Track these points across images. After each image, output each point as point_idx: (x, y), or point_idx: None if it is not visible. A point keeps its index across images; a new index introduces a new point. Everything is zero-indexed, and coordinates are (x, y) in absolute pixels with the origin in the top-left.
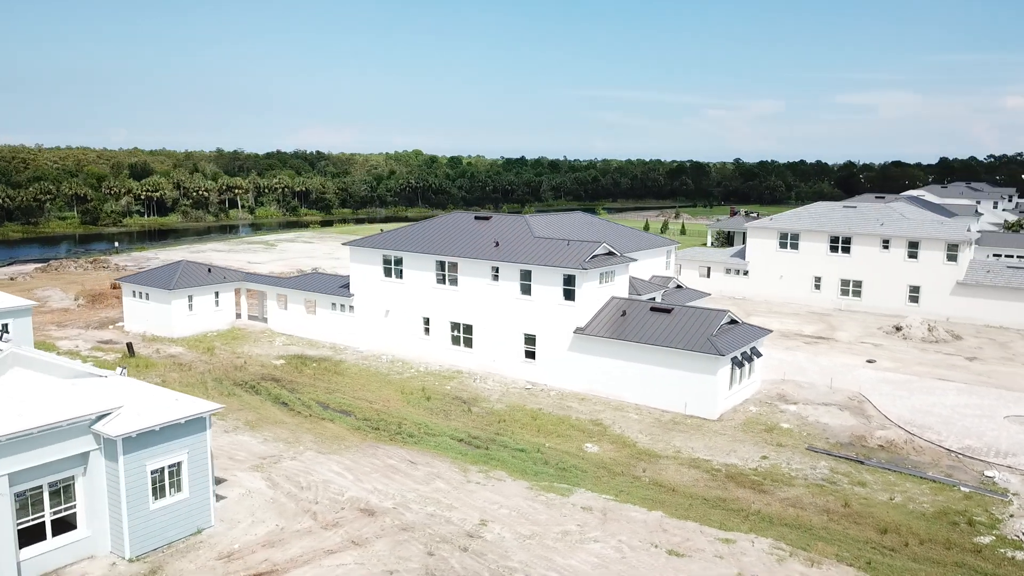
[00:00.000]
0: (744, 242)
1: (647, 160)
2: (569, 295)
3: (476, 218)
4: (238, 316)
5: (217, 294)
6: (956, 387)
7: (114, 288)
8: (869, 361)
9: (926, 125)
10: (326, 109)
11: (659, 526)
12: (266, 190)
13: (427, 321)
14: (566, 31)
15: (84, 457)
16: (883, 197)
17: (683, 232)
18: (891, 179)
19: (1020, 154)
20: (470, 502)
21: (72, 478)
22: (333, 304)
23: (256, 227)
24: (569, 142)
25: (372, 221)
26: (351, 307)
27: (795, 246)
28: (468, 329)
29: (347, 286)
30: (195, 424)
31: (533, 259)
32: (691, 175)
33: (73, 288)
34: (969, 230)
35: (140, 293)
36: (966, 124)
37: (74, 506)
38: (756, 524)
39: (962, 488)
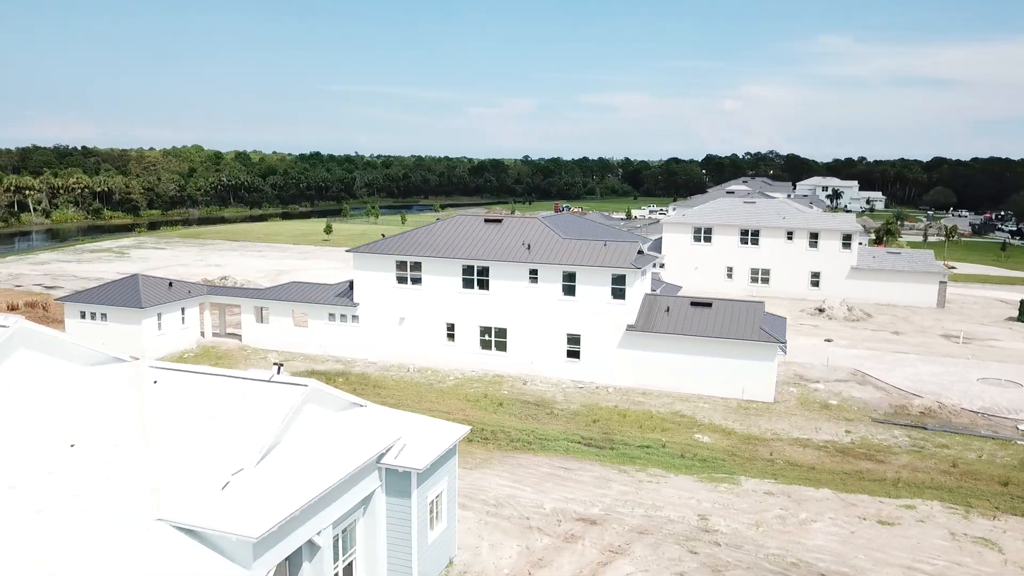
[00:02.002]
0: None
1: (439, 157)
2: (618, 294)
3: (486, 220)
4: (202, 334)
5: (183, 310)
6: (916, 358)
7: (31, 308)
8: (827, 340)
9: (663, 125)
10: (64, 100)
11: (841, 502)
12: (62, 191)
13: (451, 327)
14: (315, 24)
15: (368, 498)
16: (732, 192)
17: None
18: (672, 174)
19: (772, 152)
20: (665, 500)
21: (354, 522)
22: (331, 315)
23: (54, 234)
24: (332, 137)
25: (188, 223)
26: (354, 317)
27: (708, 239)
28: (501, 332)
29: (344, 295)
30: (452, 448)
31: (576, 260)
32: (492, 172)
33: None
34: (856, 221)
35: (94, 314)
36: (694, 124)
37: (354, 552)
38: (911, 490)
39: (1018, 442)
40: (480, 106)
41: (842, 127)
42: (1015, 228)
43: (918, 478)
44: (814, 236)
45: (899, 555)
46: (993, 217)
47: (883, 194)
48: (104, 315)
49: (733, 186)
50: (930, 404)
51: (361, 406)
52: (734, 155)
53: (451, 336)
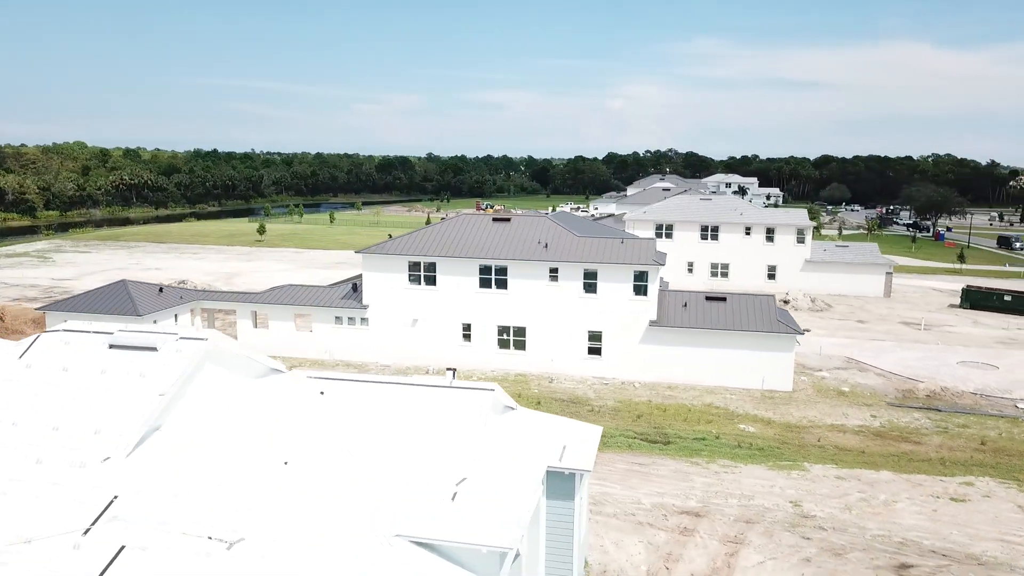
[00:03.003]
0: None
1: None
2: (640, 290)
3: (495, 220)
4: None
5: (176, 317)
6: (893, 345)
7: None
8: (806, 330)
9: (552, 122)
10: None
11: (906, 482)
12: None
13: (467, 327)
14: (187, 13)
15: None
16: (669, 188)
17: None
18: (579, 172)
19: (672, 150)
20: (751, 489)
21: None
22: (337, 318)
23: None
24: (214, 133)
25: (93, 225)
26: (363, 319)
27: (670, 235)
28: (520, 331)
29: (349, 297)
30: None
31: (597, 258)
32: (400, 170)
33: None
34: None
35: None
36: (582, 122)
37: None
38: (959, 468)
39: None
40: (364, 103)
41: (720, 126)
42: (912, 222)
43: (957, 456)
44: (770, 231)
45: (987, 530)
46: (886, 211)
47: (780, 190)
48: None
49: (659, 183)
50: (934, 388)
51: (513, 408)
52: (635, 153)
53: (467, 336)
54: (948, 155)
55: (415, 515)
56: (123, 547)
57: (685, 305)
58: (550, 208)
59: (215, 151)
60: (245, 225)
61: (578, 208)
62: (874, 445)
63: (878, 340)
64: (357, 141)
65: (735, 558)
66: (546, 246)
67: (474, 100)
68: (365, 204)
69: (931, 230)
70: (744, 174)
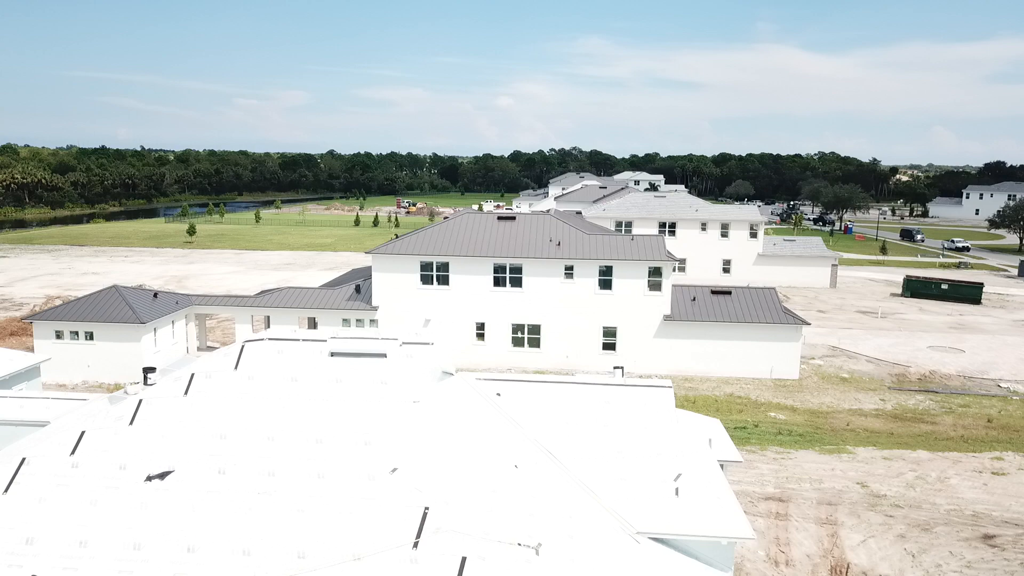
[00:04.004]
0: None
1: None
2: (655, 286)
3: (500, 218)
4: (186, 350)
5: (173, 323)
6: (864, 333)
7: None
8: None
9: (443, 120)
10: None
11: (945, 460)
12: None
13: (481, 326)
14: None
15: None
16: (605, 187)
17: (398, 224)
18: (489, 170)
19: (576, 148)
20: (814, 473)
21: None
22: (344, 320)
23: None
24: (87, 129)
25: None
26: (372, 321)
27: (629, 231)
28: (535, 329)
29: (353, 299)
30: None
31: (612, 255)
32: (306, 167)
33: None
34: (760, 213)
35: (76, 333)
36: (473, 120)
37: None
38: (982, 445)
39: (1013, 398)
40: (250, 98)
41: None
42: (817, 217)
43: (973, 434)
44: (725, 227)
45: None
46: (788, 207)
47: (685, 187)
48: (90, 334)
49: (582, 181)
50: (923, 372)
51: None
52: (541, 151)
53: (480, 336)
54: (832, 153)
55: (649, 512)
56: (465, 558)
57: (694, 299)
58: (475, 205)
59: (103, 148)
60: (168, 226)
61: (501, 206)
62: (898, 427)
63: (847, 328)
64: (245, 137)
65: (837, 539)
66: (559, 244)
67: (363, 97)
68: (271, 203)
69: (836, 224)
70: (649, 171)
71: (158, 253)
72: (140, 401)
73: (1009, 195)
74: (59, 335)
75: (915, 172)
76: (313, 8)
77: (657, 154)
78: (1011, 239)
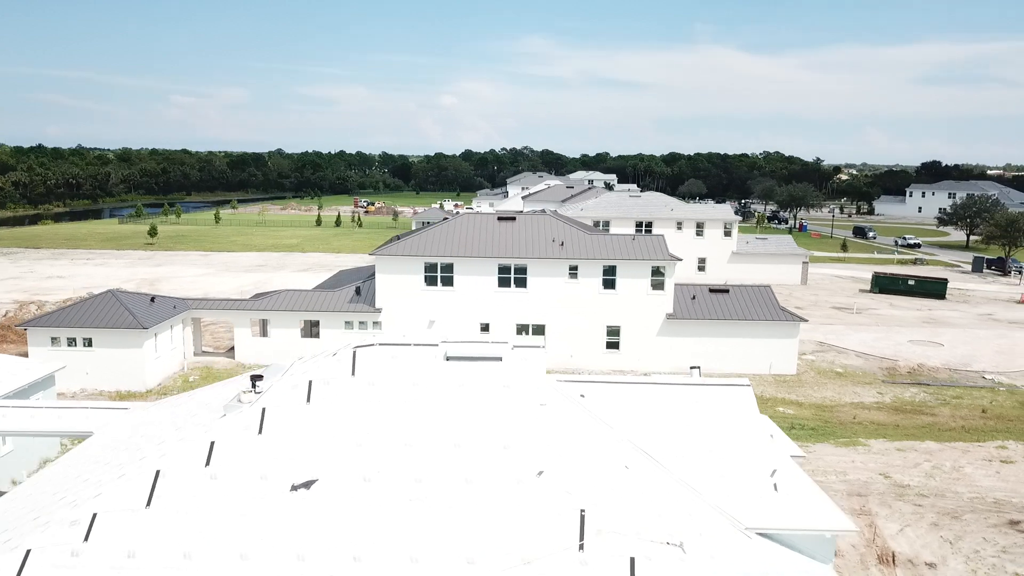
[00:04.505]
0: None
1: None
2: (658, 285)
3: (500, 219)
4: (184, 354)
5: (172, 328)
6: (845, 328)
7: None
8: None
9: (383, 118)
10: None
11: (953, 450)
12: None
13: (485, 327)
14: None
15: None
16: (572, 187)
17: (361, 224)
18: (442, 169)
19: (527, 147)
20: (837, 466)
21: None
22: (347, 323)
23: None
24: (16, 127)
25: None
26: (375, 323)
27: (607, 230)
28: (539, 329)
29: (355, 300)
30: None
31: (616, 254)
32: (255, 166)
33: None
34: (734, 212)
35: (72, 339)
36: (417, 118)
37: None
38: (983, 435)
39: (1000, 389)
40: (188, 95)
41: (554, 123)
42: (771, 215)
43: (972, 425)
44: (700, 226)
45: None
46: (740, 205)
47: (638, 186)
48: (88, 340)
49: (542, 181)
50: (911, 365)
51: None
52: (493, 150)
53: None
54: (777, 152)
55: (753, 508)
56: (634, 559)
57: (694, 298)
58: (435, 204)
59: (40, 146)
60: (124, 227)
61: (461, 206)
62: (901, 419)
63: (828, 324)
64: (185, 136)
65: (876, 529)
66: (562, 244)
67: (304, 95)
68: (224, 203)
69: (790, 223)
70: (602, 171)
71: (120, 255)
72: (264, 410)
73: (949, 193)
74: (55, 341)
75: (851, 171)
76: (249, 2)
77: (607, 154)
78: (957, 236)
